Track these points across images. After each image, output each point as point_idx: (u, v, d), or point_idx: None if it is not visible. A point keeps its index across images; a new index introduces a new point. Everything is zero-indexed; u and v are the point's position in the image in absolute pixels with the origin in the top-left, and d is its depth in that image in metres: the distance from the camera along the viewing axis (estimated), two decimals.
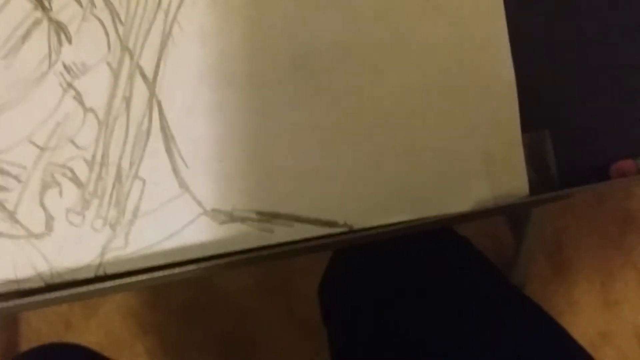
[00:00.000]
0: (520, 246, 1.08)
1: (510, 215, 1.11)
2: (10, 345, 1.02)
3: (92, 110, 0.26)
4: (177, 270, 0.27)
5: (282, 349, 1.05)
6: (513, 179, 0.29)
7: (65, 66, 0.26)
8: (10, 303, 0.26)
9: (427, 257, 0.44)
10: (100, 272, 0.26)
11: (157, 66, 0.26)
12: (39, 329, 1.04)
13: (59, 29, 0.25)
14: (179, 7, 0.26)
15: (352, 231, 0.28)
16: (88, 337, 1.03)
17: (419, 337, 0.40)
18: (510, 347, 0.37)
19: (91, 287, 0.25)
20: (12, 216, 0.26)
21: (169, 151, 0.26)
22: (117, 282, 0.26)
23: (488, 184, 0.28)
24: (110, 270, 0.26)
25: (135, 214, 0.26)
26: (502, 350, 0.37)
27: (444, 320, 0.41)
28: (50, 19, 0.25)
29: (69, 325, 1.04)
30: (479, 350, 0.37)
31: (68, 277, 0.26)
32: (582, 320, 1.06)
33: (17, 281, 0.26)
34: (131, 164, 0.26)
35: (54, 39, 0.25)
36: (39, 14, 0.25)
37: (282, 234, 0.27)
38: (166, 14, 0.26)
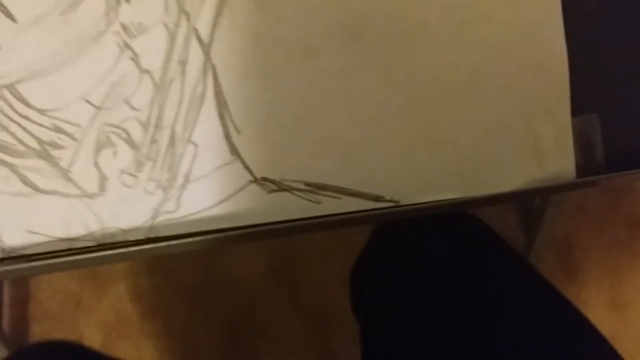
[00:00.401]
0: (530, 245, 1.08)
1: (522, 215, 1.11)
2: (21, 323, 1.02)
3: (148, 71, 0.26)
4: (223, 234, 0.27)
5: (286, 336, 1.06)
6: (561, 161, 0.29)
7: (122, 25, 0.26)
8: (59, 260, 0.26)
9: (455, 241, 0.45)
10: (152, 235, 0.26)
11: (213, 30, 0.26)
12: (49, 307, 1.04)
13: None
14: None
15: (398, 206, 0.28)
16: (98, 316, 1.04)
17: (443, 317, 0.41)
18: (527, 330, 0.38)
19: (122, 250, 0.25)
20: (65, 174, 0.26)
21: (221, 117, 0.26)
22: (157, 245, 0.26)
23: (536, 165, 0.28)
24: (161, 233, 0.26)
25: (187, 178, 0.26)
26: (519, 333, 0.38)
27: (468, 302, 0.41)
28: None
29: (79, 304, 1.04)
30: (498, 334, 0.37)
31: (119, 238, 0.26)
32: None
33: (69, 239, 0.26)
34: (185, 128, 0.26)
35: None
36: None
37: (330, 205, 0.27)
38: None
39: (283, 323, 1.06)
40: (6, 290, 1.03)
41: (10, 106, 0.25)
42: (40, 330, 1.03)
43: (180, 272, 1.07)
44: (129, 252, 0.26)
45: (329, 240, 1.06)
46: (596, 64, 0.29)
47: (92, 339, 1.06)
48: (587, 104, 0.29)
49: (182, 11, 0.26)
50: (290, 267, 1.09)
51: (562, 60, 0.28)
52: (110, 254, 0.25)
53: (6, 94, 0.25)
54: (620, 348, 0.37)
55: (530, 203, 1.08)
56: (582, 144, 0.29)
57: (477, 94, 0.28)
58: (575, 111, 0.29)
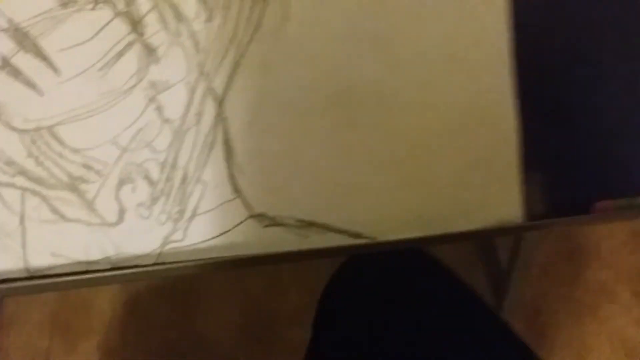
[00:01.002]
0: (500, 307, 1.12)
1: (491, 278, 1.15)
2: None
3: (168, 121, 0.31)
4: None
5: None
6: (510, 208, 0.34)
7: (150, 82, 0.31)
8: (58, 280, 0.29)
9: (410, 274, 0.50)
10: (160, 260, 0.30)
11: (226, 90, 0.31)
12: None
13: (149, 51, 0.31)
14: (248, 43, 0.31)
15: (374, 242, 0.32)
16: None
17: (400, 348, 0.45)
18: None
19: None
20: (90, 205, 0.30)
21: (228, 161, 0.31)
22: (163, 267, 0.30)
23: (491, 210, 0.33)
24: (168, 260, 0.30)
25: (194, 212, 0.31)
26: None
27: (423, 335, 0.45)
28: (142, 42, 0.31)
29: None
30: None
31: (132, 262, 0.30)
32: None
33: (87, 262, 0.30)
34: (196, 169, 0.31)
35: (143, 58, 0.31)
36: (133, 37, 0.31)
37: (316, 240, 0.32)
38: (237, 48, 0.31)
39: None
40: None
41: (48, 145, 0.30)
42: None
43: (153, 330, 1.08)
44: (138, 273, 0.29)
45: (303, 298, 1.09)
46: (543, 124, 0.34)
47: None
48: (535, 159, 0.34)
49: (202, 73, 0.31)
50: (265, 325, 1.10)
51: (511, 121, 0.34)
52: (121, 274, 0.29)
53: (45, 134, 0.30)
54: None
55: (498, 265, 1.13)
56: (528, 192, 0.34)
57: (442, 149, 0.33)
58: (525, 165, 0.34)
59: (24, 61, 0.30)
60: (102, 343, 1.07)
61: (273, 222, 0.31)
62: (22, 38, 0.30)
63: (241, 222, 0.31)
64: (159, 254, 0.30)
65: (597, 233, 1.25)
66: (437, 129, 0.33)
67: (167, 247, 0.30)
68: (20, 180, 0.29)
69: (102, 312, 1.08)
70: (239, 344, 1.09)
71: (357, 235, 0.32)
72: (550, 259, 1.24)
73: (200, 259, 0.31)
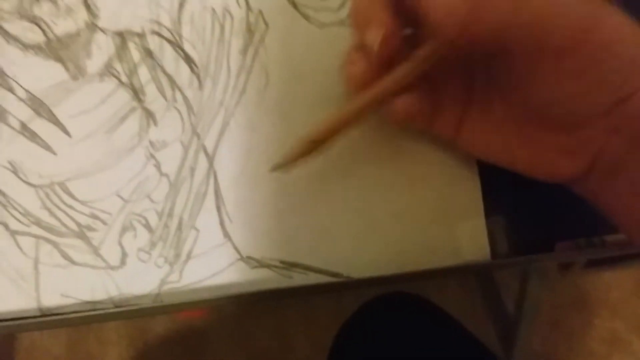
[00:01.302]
0: (509, 359, 1.12)
1: (500, 330, 1.15)
2: None
3: (166, 175, 0.35)
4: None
5: None
6: (479, 249, 0.37)
7: (150, 142, 0.35)
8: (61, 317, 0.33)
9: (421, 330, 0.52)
10: (158, 300, 0.34)
11: (216, 146, 0.35)
12: None
13: (149, 115, 0.35)
14: (236, 105, 0.36)
15: (348, 281, 0.35)
16: None
17: None
18: None
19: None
20: (96, 251, 0.34)
21: (218, 209, 0.35)
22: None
23: (460, 251, 0.37)
24: (165, 300, 0.34)
25: (189, 256, 0.34)
26: None
27: None
28: (143, 107, 0.35)
29: None
30: None
31: (133, 302, 0.33)
32: None
33: (92, 302, 0.33)
34: (190, 216, 0.35)
35: (144, 122, 0.35)
36: (135, 103, 0.35)
37: (299, 279, 0.35)
38: (226, 110, 0.36)
39: None
40: None
41: (60, 198, 0.34)
42: None
43: None
44: (137, 310, 0.33)
45: (308, 352, 1.09)
46: (503, 172, 0.37)
47: None
48: (497, 205, 0.38)
49: (195, 132, 0.35)
50: None
51: (474, 173, 0.37)
52: (123, 311, 0.33)
53: (57, 188, 0.34)
54: None
55: (505, 316, 1.13)
56: (494, 235, 0.37)
57: (413, 198, 0.37)
58: (488, 211, 0.37)
59: (40, 126, 0.35)
60: None
61: (260, 264, 0.35)
62: (38, 106, 0.35)
63: (231, 264, 0.35)
64: (157, 294, 0.34)
65: (605, 282, 1.26)
66: (403, 184, 0.36)
67: (165, 287, 0.34)
68: (35, 229, 0.33)
69: None
70: None
71: (335, 275, 0.35)
72: (559, 309, 1.24)
73: (194, 300, 0.34)
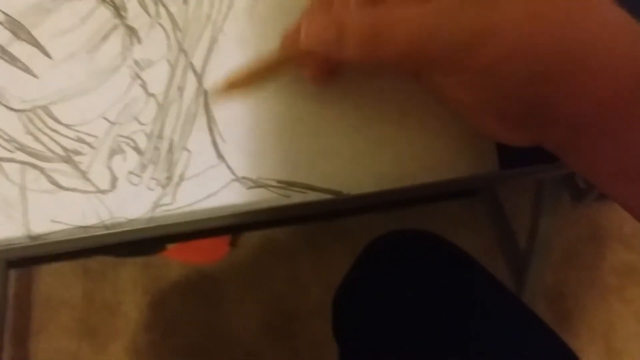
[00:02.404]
0: (521, 292, 1.12)
1: (512, 265, 1.15)
2: None
3: (153, 95, 0.33)
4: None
5: None
6: (486, 160, 0.35)
7: (135, 61, 0.33)
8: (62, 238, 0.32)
9: (431, 265, 0.50)
10: (151, 223, 0.33)
11: (205, 64, 0.34)
12: None
13: (132, 32, 0.33)
14: (224, 19, 0.34)
15: (349, 197, 0.34)
16: None
17: (420, 342, 0.45)
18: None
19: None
20: (84, 175, 0.32)
21: (210, 129, 0.33)
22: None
23: (464, 164, 0.35)
24: (159, 222, 0.33)
25: (181, 178, 0.33)
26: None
27: (447, 326, 0.46)
28: (125, 25, 0.33)
29: None
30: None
31: (126, 226, 0.32)
32: None
33: (85, 227, 0.32)
34: (181, 138, 0.33)
35: (127, 40, 0.33)
36: (117, 20, 0.33)
37: (297, 198, 0.34)
38: (214, 25, 0.34)
39: None
40: (6, 348, 1.07)
41: (44, 122, 0.33)
42: None
43: (178, 330, 1.11)
44: (131, 231, 0.32)
45: (323, 295, 1.10)
46: None
47: None
48: None
49: (181, 50, 0.34)
50: (285, 322, 1.12)
51: None
52: (116, 232, 0.32)
53: (40, 113, 0.33)
54: None
55: (517, 251, 1.13)
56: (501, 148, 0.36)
57: (418, 112, 0.35)
58: None
59: (20, 49, 0.33)
60: (129, 345, 1.10)
61: (256, 184, 0.33)
62: (17, 28, 0.33)
63: (225, 186, 0.33)
64: (151, 217, 0.33)
65: (619, 215, 1.24)
66: (408, 90, 0.35)
67: (158, 210, 0.33)
68: (20, 155, 0.32)
69: (128, 315, 1.12)
70: (263, 340, 1.11)
71: (335, 193, 0.34)
72: (572, 243, 1.23)
73: (188, 220, 0.33)
